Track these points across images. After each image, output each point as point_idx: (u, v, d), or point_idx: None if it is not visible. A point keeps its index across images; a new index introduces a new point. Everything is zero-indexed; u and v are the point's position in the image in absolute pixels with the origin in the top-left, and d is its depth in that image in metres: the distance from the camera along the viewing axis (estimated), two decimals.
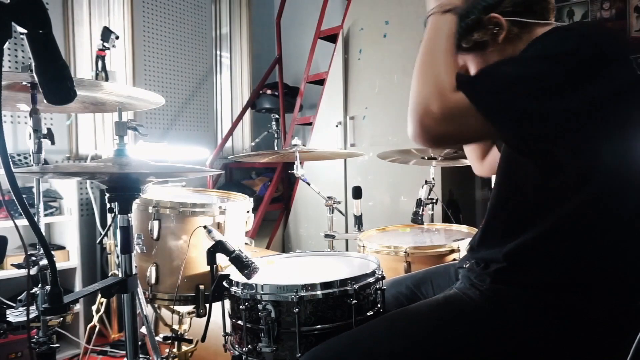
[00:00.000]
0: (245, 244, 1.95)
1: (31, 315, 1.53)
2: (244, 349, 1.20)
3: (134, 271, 1.13)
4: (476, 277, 1.04)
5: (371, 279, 1.21)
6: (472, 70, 1.08)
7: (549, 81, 0.84)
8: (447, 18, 0.95)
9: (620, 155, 0.91)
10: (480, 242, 1.09)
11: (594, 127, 0.88)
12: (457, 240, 1.80)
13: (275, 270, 1.41)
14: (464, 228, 2.09)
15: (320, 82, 3.66)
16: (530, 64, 0.87)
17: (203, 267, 1.56)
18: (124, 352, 1.26)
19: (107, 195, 1.11)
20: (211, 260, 1.38)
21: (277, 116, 4.41)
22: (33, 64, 0.80)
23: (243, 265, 1.29)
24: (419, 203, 2.03)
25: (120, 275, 1.12)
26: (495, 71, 0.90)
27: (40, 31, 0.77)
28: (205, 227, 1.48)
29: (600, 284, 0.93)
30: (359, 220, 2.10)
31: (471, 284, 1.04)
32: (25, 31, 0.76)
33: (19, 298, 1.74)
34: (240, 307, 1.19)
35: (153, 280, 1.59)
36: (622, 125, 0.90)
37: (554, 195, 0.94)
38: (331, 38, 3.59)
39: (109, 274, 2.57)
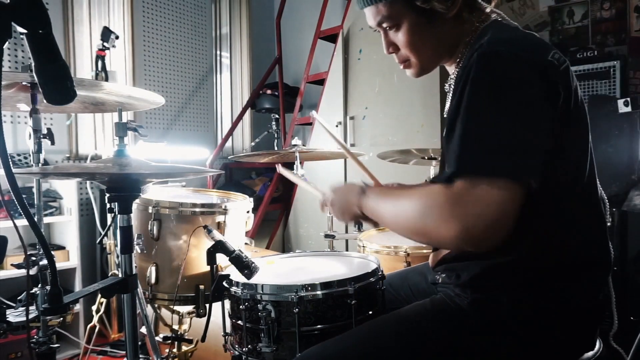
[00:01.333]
0: (245, 244, 1.94)
1: (31, 315, 1.53)
2: (244, 349, 1.20)
3: (134, 271, 1.13)
4: (455, 287, 1.02)
5: (371, 279, 1.21)
6: (402, 32, 1.01)
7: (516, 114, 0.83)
8: (369, 200, 1.00)
9: (574, 154, 0.93)
10: (459, 257, 1.05)
11: (554, 134, 0.88)
12: None
13: (275, 270, 1.41)
14: None
15: (320, 82, 3.66)
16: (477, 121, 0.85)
17: (203, 267, 1.56)
18: (124, 352, 1.26)
19: (107, 195, 1.11)
20: (211, 260, 1.38)
21: (277, 116, 4.41)
22: (33, 64, 0.80)
23: (243, 265, 1.29)
24: None
25: (120, 275, 1.12)
26: (479, 133, 0.84)
27: (40, 31, 0.77)
28: (205, 227, 1.48)
29: (576, 274, 0.94)
30: None
31: (456, 294, 1.02)
32: (25, 31, 0.76)
33: (19, 298, 1.75)
34: (240, 307, 1.19)
35: (153, 280, 1.59)
36: (567, 128, 0.91)
37: (529, 207, 0.91)
38: (331, 38, 3.59)
39: (109, 274, 2.57)
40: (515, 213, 0.80)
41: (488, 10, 1.02)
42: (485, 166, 0.81)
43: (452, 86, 1.05)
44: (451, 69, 1.09)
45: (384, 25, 1.03)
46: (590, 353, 1.01)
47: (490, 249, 0.80)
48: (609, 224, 1.01)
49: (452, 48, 1.04)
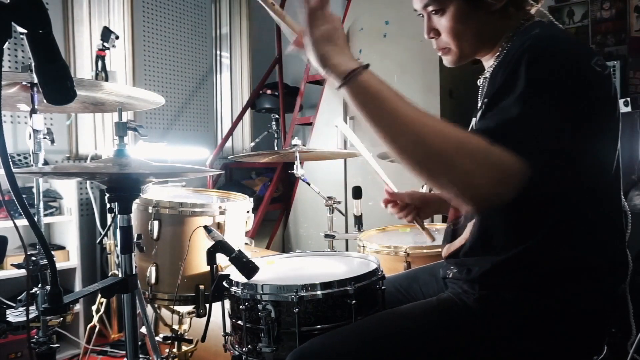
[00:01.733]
0: (245, 244, 1.94)
1: (31, 315, 1.53)
2: (244, 349, 1.20)
3: (134, 271, 1.13)
4: (464, 283, 1.03)
5: (371, 279, 1.21)
6: (446, 18, 1.00)
7: (552, 118, 0.83)
8: (366, 78, 0.86)
9: (598, 160, 0.94)
10: (470, 251, 1.06)
11: (582, 138, 0.89)
12: None
13: (275, 270, 1.41)
14: None
15: (320, 82, 3.66)
16: (530, 100, 0.83)
17: (203, 267, 1.56)
18: (124, 352, 1.26)
19: (107, 195, 1.11)
20: (211, 260, 1.38)
21: (277, 116, 4.41)
22: (33, 64, 0.80)
23: (243, 265, 1.29)
24: None
25: (120, 275, 1.12)
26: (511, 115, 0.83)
27: (40, 31, 0.77)
28: (205, 227, 1.48)
29: (585, 277, 0.94)
30: (359, 220, 2.10)
31: (463, 290, 1.02)
32: (25, 31, 0.76)
33: (19, 298, 1.75)
34: (240, 307, 1.19)
35: (153, 280, 1.60)
36: (597, 134, 0.92)
37: (543, 205, 0.92)
38: None
39: (109, 274, 2.57)
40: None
41: (534, 11, 1.03)
42: (516, 142, 0.80)
43: (488, 80, 1.04)
44: (488, 63, 1.08)
45: (430, 8, 1.02)
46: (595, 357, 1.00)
47: (478, 209, 0.87)
48: (628, 233, 1.00)
49: (493, 41, 1.04)
